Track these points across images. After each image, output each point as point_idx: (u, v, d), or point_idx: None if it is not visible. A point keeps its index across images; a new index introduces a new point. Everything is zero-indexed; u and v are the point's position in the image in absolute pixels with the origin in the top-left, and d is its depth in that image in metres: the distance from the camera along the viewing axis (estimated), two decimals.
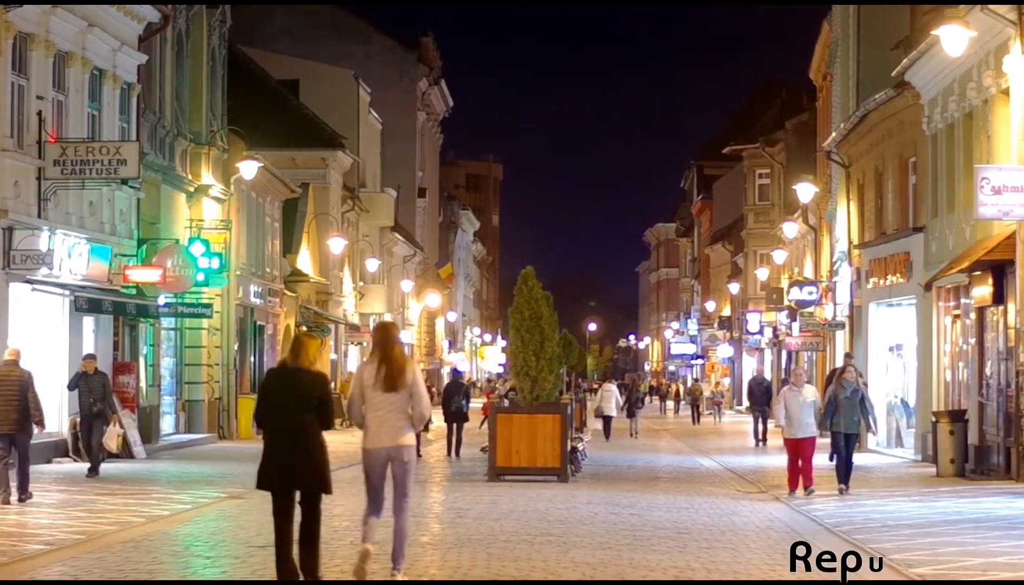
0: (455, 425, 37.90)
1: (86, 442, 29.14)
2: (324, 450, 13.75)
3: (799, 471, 25.47)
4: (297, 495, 13.59)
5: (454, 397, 38.17)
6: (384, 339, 14.02)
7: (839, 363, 48.39)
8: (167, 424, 40.84)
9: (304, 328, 55.38)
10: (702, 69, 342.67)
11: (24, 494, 22.58)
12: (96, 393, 29.00)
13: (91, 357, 29.78)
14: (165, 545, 17.97)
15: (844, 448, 25.87)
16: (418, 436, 16.77)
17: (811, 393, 25.69)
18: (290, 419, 13.44)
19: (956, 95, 32.35)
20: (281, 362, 13.87)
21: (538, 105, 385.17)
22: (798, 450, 25.45)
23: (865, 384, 31.65)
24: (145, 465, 32.35)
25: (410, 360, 14.07)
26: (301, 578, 13.33)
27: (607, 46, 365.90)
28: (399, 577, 14.14)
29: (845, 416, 25.84)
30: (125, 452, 33.07)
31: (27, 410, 22.78)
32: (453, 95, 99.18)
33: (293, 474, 13.48)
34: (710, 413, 71.38)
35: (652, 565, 16.07)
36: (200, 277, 39.92)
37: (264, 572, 15.35)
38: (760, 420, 45.76)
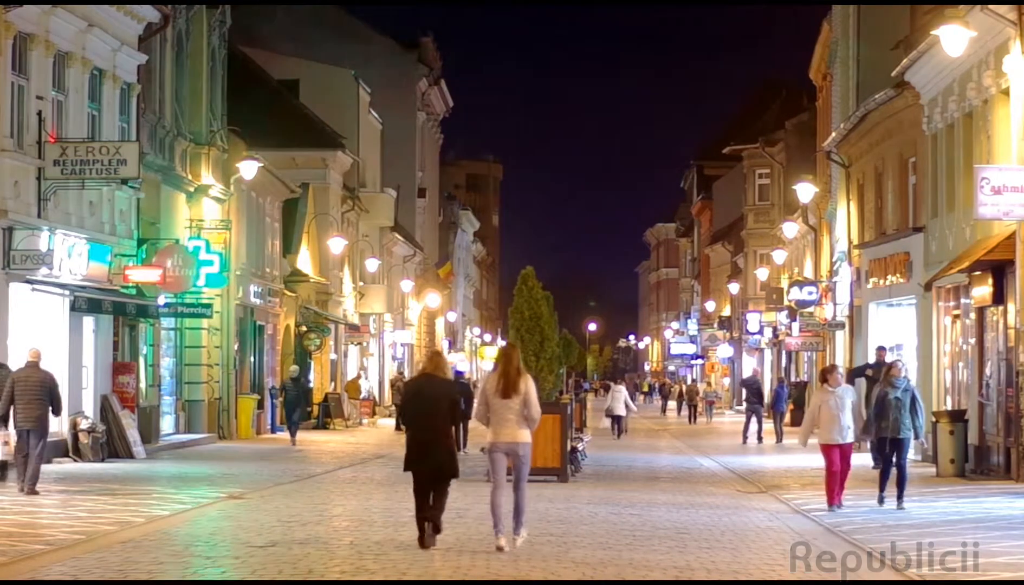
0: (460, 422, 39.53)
1: None
2: (453, 442, 17.43)
3: (837, 481, 22.78)
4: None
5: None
6: (504, 357, 17.56)
7: (840, 364, 48.48)
8: (167, 424, 40.84)
9: (304, 328, 55.47)
10: (702, 69, 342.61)
11: (31, 488, 23.64)
12: None
13: None
14: (165, 545, 17.97)
15: (896, 455, 23.00)
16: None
17: (850, 393, 23.03)
18: (428, 418, 17.16)
19: (956, 95, 32.35)
20: (421, 372, 18.02)
21: (538, 105, 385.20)
22: (840, 457, 22.66)
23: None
24: (145, 465, 32.36)
25: (526, 374, 17.40)
26: (427, 548, 16.88)
27: (607, 46, 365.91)
28: (519, 540, 17.23)
29: (894, 418, 22.96)
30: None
31: (46, 410, 24.18)
32: (453, 95, 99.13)
33: (430, 461, 17.08)
34: (712, 413, 71.58)
35: (652, 565, 16.07)
36: (201, 282, 39.95)
37: (264, 572, 15.37)
38: (754, 419, 46.70)
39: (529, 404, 17.15)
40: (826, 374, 23.37)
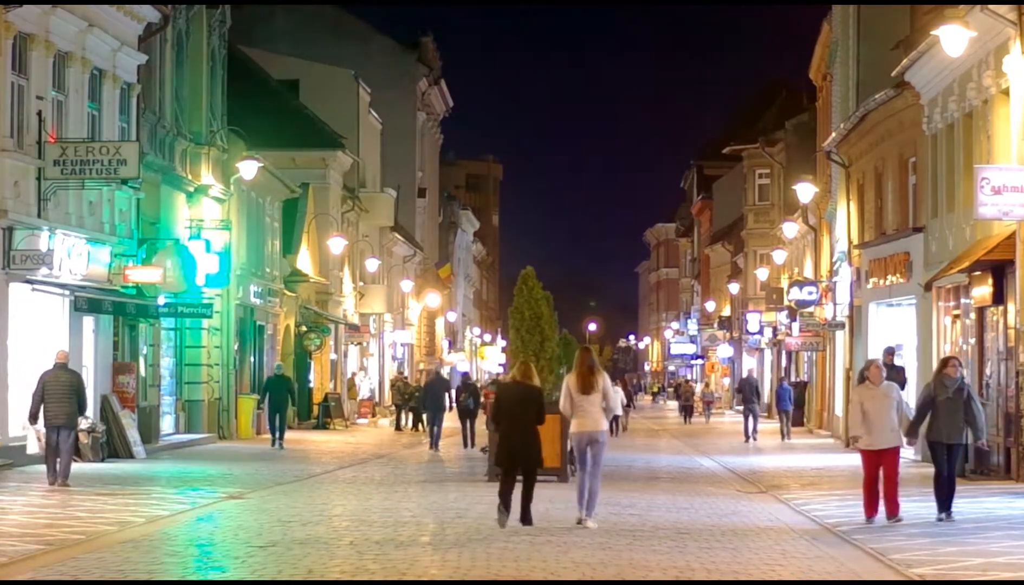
0: (467, 421, 42.50)
1: None
2: (539, 438, 19.87)
3: (877, 492, 20.57)
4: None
5: (463, 396, 43.20)
6: (579, 360, 19.95)
7: (839, 363, 48.54)
8: (167, 424, 40.83)
9: (304, 328, 55.46)
10: (702, 69, 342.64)
11: (64, 481, 25.51)
12: None
13: None
14: (165, 545, 17.97)
15: (946, 463, 20.71)
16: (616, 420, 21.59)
17: (895, 391, 20.66)
18: (517, 418, 19.75)
19: (956, 95, 32.35)
20: (511, 378, 20.81)
21: (538, 105, 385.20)
22: (879, 465, 20.47)
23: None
24: (145, 465, 32.36)
25: (600, 371, 19.90)
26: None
27: (607, 46, 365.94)
28: (589, 523, 19.46)
29: (947, 421, 20.60)
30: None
31: (75, 407, 26.05)
32: (453, 95, 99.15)
33: (518, 456, 19.70)
34: (710, 413, 71.70)
35: (652, 565, 16.06)
36: (201, 282, 39.91)
37: (264, 572, 15.37)
38: (751, 418, 48.22)
39: (607, 397, 19.83)
40: (865, 371, 21.01)
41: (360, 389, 64.49)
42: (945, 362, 21.24)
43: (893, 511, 20.32)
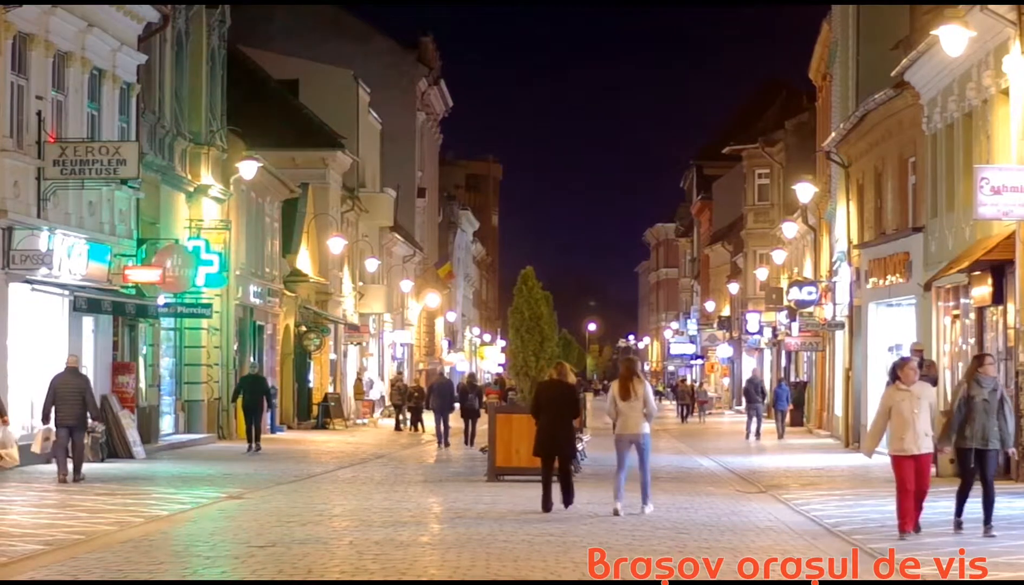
0: (469, 421, 44.12)
1: None
2: (573, 430, 22.80)
3: (913, 503, 18.81)
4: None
5: (468, 396, 44.85)
6: (623, 369, 22.51)
7: (839, 364, 48.55)
8: (166, 424, 40.81)
9: (304, 328, 55.46)
10: (702, 69, 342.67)
11: (78, 475, 26.84)
12: None
13: None
14: (165, 545, 17.98)
15: (981, 470, 19.06)
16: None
17: (929, 393, 18.99)
18: (554, 412, 22.26)
19: (956, 95, 32.35)
20: (550, 376, 23.57)
21: (538, 105, 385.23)
22: (915, 471, 18.74)
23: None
24: (145, 465, 32.36)
25: (641, 379, 22.28)
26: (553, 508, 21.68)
27: (607, 46, 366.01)
28: (647, 510, 21.83)
29: (981, 425, 18.93)
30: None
31: (85, 408, 27.46)
32: (453, 95, 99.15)
33: (555, 446, 22.29)
34: (704, 412, 71.81)
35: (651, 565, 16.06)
36: (200, 282, 39.88)
37: (264, 572, 15.37)
38: (754, 418, 49.39)
39: (647, 403, 22.08)
40: (897, 370, 19.17)
41: (368, 392, 64.42)
42: (981, 360, 19.34)
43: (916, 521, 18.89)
